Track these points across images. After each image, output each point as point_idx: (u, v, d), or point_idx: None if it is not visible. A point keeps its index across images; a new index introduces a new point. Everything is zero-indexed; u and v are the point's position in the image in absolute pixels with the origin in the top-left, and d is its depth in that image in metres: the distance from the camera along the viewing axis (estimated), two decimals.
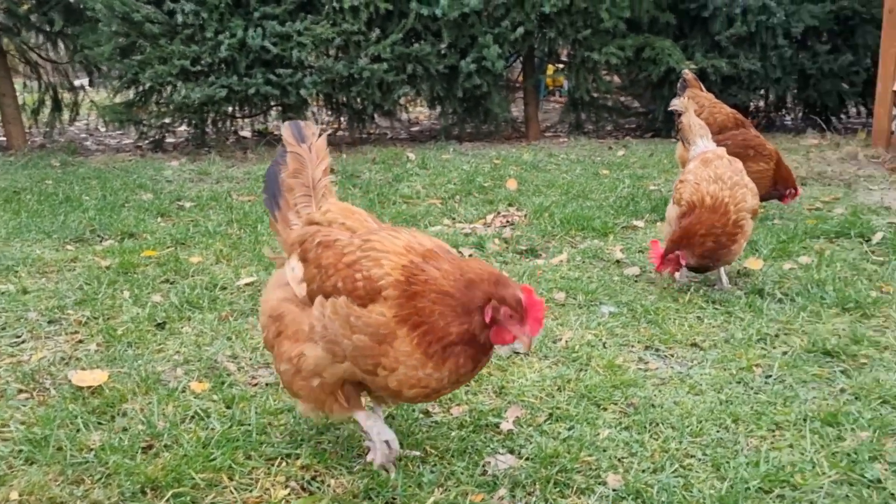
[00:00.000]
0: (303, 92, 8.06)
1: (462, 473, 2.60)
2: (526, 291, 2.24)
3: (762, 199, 5.89)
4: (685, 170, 4.55)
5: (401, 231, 2.47)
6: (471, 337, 2.25)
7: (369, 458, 2.64)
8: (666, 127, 9.83)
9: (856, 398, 3.09)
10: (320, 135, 2.77)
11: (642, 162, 8.10)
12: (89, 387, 3.13)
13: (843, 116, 10.75)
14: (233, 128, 9.50)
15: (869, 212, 6.00)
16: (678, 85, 6.21)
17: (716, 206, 4.12)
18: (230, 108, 8.63)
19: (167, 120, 8.56)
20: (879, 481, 2.51)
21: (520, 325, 2.23)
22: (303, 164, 2.69)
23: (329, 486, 2.55)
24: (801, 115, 10.91)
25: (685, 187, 4.30)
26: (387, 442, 2.55)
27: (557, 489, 2.50)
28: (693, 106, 6.03)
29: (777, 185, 5.73)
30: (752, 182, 4.36)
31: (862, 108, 10.75)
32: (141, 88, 8.41)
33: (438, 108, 9.67)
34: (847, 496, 2.45)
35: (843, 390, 3.17)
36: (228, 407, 3.01)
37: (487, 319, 2.23)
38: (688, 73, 6.24)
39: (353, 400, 2.53)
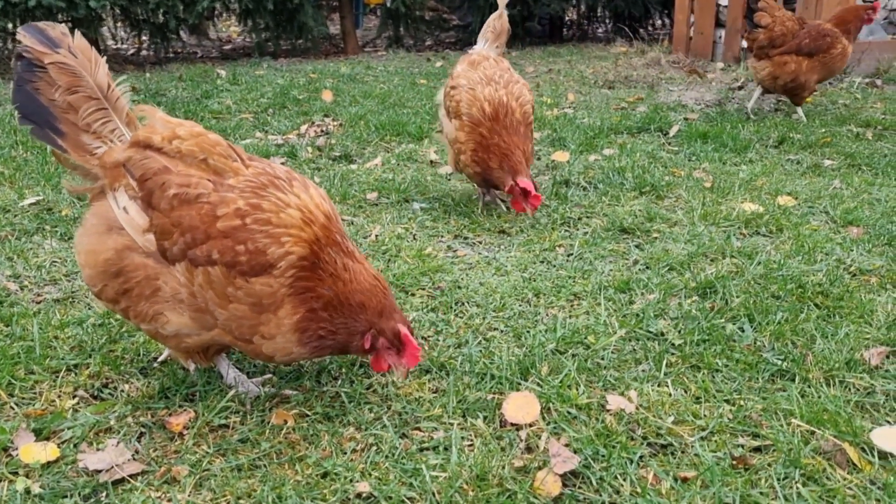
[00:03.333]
0: (93, 4, 7.36)
1: (267, 365, 2.53)
2: (407, 327, 2.20)
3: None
4: (454, 74, 4.00)
5: (280, 182, 2.16)
6: (343, 348, 2.21)
7: (162, 357, 2.52)
8: None
9: (647, 267, 3.29)
10: (72, 33, 2.29)
11: None
12: None
13: (649, 28, 11.30)
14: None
15: (668, 109, 6.36)
16: None
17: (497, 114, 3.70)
18: (9, 24, 7.75)
19: None
20: (662, 334, 2.69)
21: (397, 357, 2.20)
22: (76, 74, 2.21)
23: (122, 391, 2.40)
24: (610, 25, 11.32)
25: (459, 94, 3.82)
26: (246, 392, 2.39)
27: (362, 370, 2.49)
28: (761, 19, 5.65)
29: (852, 28, 5.67)
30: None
31: (666, 20, 11.31)
32: None
33: (249, 23, 9.17)
34: (633, 349, 2.61)
35: (636, 262, 3.36)
36: (7, 325, 2.76)
37: (367, 346, 2.19)
38: None
39: (216, 357, 2.38)
